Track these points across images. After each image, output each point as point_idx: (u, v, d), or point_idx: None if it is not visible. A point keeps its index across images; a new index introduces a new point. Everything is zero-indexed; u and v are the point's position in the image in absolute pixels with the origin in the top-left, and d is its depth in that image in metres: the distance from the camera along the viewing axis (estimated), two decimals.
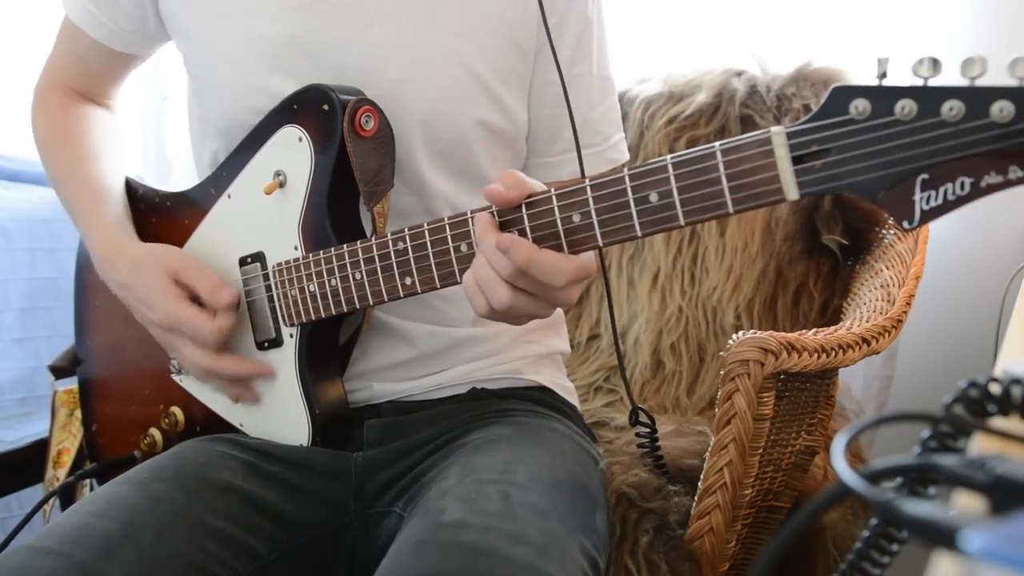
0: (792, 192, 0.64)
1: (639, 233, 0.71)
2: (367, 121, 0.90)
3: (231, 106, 0.98)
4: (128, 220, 1.06)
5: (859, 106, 0.61)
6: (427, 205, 0.98)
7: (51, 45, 1.14)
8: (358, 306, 0.88)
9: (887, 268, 1.19)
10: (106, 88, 1.16)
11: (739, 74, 1.50)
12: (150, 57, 1.14)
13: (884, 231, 1.31)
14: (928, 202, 0.60)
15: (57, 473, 1.20)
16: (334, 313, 0.90)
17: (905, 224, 0.61)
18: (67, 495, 1.18)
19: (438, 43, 0.95)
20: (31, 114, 1.13)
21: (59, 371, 1.24)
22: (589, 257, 0.76)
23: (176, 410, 1.06)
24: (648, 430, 1.00)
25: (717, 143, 0.67)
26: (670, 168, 0.69)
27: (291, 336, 0.95)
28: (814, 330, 0.99)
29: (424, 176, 0.96)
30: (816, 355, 0.92)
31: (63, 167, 1.09)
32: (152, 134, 2.12)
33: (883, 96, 0.60)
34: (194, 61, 1.02)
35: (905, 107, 0.59)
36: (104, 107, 1.16)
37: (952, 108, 0.57)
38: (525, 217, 0.76)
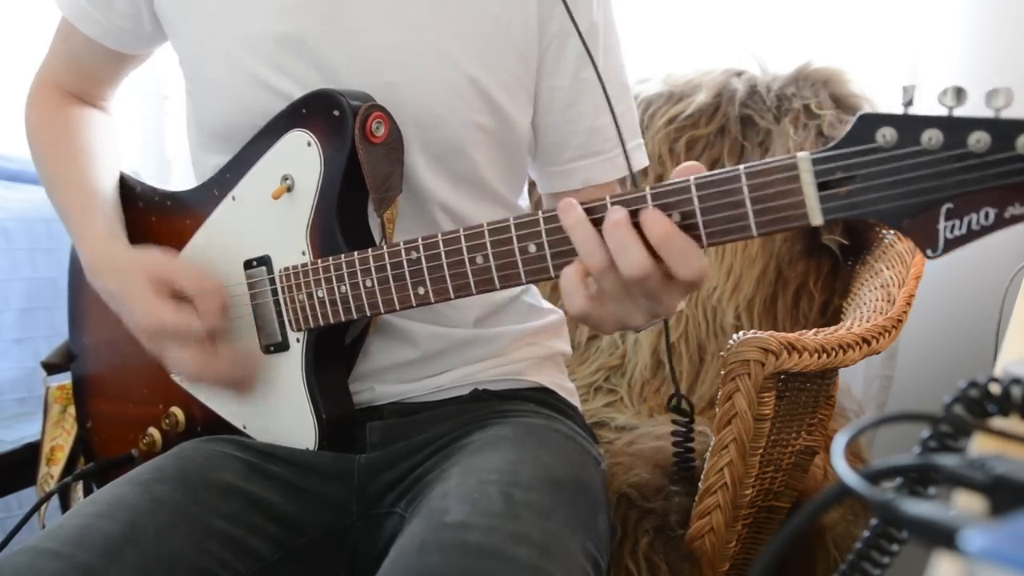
0: (817, 217, 0.65)
1: None
2: (378, 127, 0.89)
3: (226, 106, 0.97)
4: (120, 225, 1.04)
5: (886, 134, 0.61)
6: (422, 208, 0.98)
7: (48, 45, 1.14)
8: (368, 313, 0.88)
9: (887, 268, 1.19)
10: (100, 89, 1.15)
11: (739, 74, 1.50)
12: (147, 59, 1.14)
13: (884, 231, 1.31)
14: (952, 231, 0.61)
15: (51, 470, 1.20)
16: (343, 320, 0.89)
17: (929, 252, 0.61)
18: (61, 494, 1.18)
19: (433, 46, 0.94)
20: (25, 112, 1.13)
21: (51, 367, 1.23)
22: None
23: (176, 411, 1.06)
24: (686, 419, 0.99)
25: (742, 166, 0.67)
26: (693, 189, 0.69)
27: (297, 341, 0.94)
28: (814, 330, 0.99)
29: (419, 179, 0.96)
30: (816, 355, 0.92)
31: (54, 170, 1.08)
32: (152, 134, 2.11)
33: (910, 125, 0.60)
34: (189, 61, 1.02)
35: (932, 137, 0.59)
36: (98, 108, 1.15)
37: (979, 140, 0.58)
38: (543, 231, 0.75)
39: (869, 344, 0.99)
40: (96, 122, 1.13)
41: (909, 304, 1.09)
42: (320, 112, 0.91)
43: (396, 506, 0.91)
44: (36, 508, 1.11)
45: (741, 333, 0.92)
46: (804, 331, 0.97)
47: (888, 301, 1.10)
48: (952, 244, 0.61)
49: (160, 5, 1.01)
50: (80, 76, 1.12)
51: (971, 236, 0.60)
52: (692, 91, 1.50)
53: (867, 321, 1.04)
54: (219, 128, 0.99)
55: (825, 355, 0.93)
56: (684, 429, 1.01)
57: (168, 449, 0.97)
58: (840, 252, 1.34)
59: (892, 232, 1.28)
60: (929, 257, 0.62)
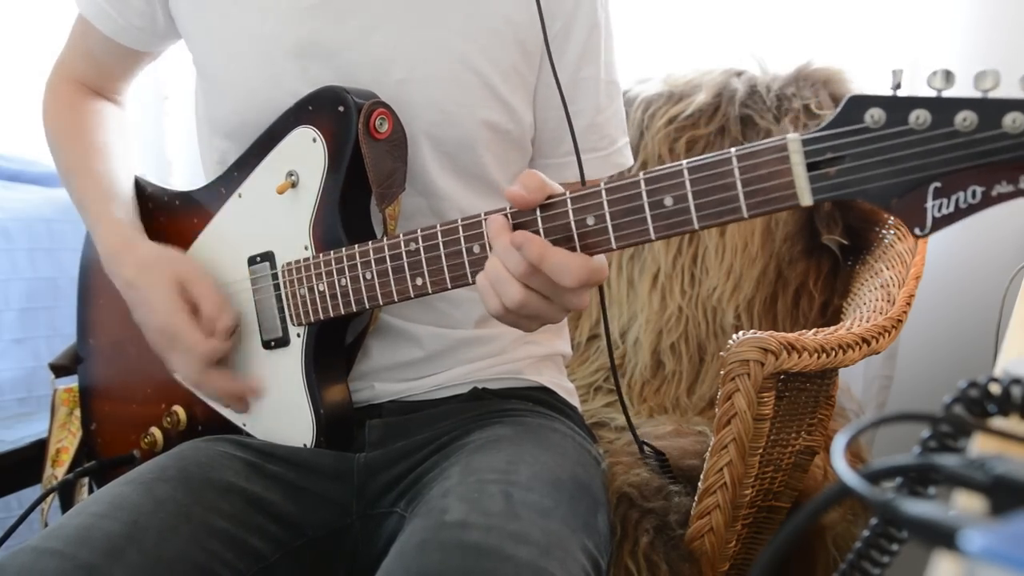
0: (806, 198, 0.65)
1: (653, 236, 0.72)
2: (381, 123, 0.90)
3: (238, 105, 0.98)
4: (137, 218, 1.06)
5: (874, 115, 0.62)
6: (433, 206, 0.98)
7: (53, 47, 1.16)
8: (367, 306, 0.89)
9: (887, 268, 1.19)
10: (116, 83, 1.17)
11: (739, 74, 1.50)
12: (160, 54, 1.15)
13: (884, 231, 1.31)
14: (940, 210, 0.61)
15: (55, 472, 1.21)
16: (343, 313, 0.90)
17: (917, 231, 0.62)
18: (65, 494, 1.18)
19: (443, 44, 0.95)
20: (42, 106, 1.15)
21: (59, 369, 1.24)
22: (601, 260, 0.76)
23: (178, 409, 1.06)
24: (660, 460, 1.02)
25: (733, 149, 0.68)
26: (686, 173, 0.70)
27: (298, 336, 0.95)
28: (814, 330, 0.99)
29: (430, 177, 0.97)
30: (816, 355, 0.92)
31: (73, 162, 1.09)
32: (152, 134, 2.11)
33: (898, 106, 0.61)
34: (202, 60, 1.03)
35: (919, 117, 0.60)
36: (114, 102, 1.18)
37: (966, 119, 0.58)
38: (539, 219, 0.76)
39: (869, 344, 0.99)
40: (112, 116, 1.15)
41: (909, 304, 1.09)
42: (325, 108, 0.91)
43: (396, 505, 0.91)
44: (33, 507, 1.12)
45: (741, 333, 0.92)
46: (804, 331, 0.97)
47: (888, 301, 1.10)
48: (940, 223, 0.62)
49: (175, 5, 1.02)
50: (96, 71, 1.14)
51: (959, 215, 0.61)
52: (692, 91, 1.50)
53: (867, 321, 1.04)
54: (231, 127, 1.00)
55: (825, 355, 0.93)
56: (660, 466, 1.03)
57: (169, 449, 0.98)
58: (840, 252, 1.34)
59: (892, 232, 1.28)
60: (917, 236, 0.63)
